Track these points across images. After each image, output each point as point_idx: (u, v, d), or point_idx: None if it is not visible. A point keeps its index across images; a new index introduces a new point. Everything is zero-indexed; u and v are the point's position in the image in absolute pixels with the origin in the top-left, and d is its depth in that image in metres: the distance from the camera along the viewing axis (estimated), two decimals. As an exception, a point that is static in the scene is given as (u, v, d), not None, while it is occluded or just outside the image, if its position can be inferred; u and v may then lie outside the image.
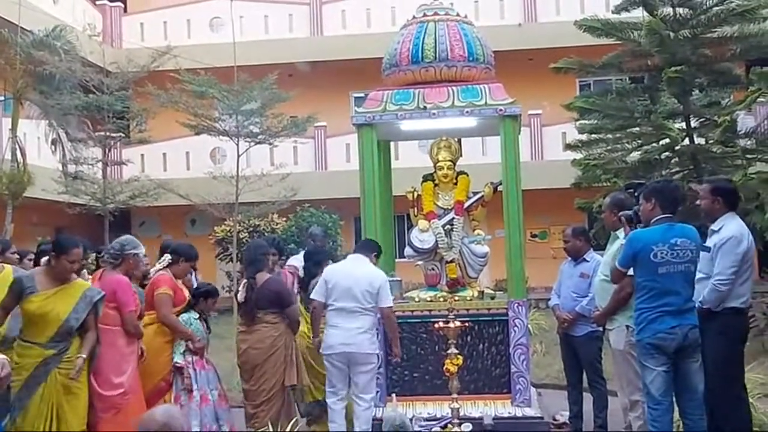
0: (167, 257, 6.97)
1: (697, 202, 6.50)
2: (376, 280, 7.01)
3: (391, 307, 7.09)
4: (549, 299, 8.11)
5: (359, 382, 6.87)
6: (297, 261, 8.70)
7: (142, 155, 21.16)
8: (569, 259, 7.80)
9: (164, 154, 21.62)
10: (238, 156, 17.48)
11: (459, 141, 8.80)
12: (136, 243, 6.61)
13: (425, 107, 8.07)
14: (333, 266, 7.26)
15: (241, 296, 7.13)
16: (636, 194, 6.47)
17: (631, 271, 6.04)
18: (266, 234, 17.79)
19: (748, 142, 12.93)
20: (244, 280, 7.13)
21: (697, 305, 5.98)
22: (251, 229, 18.77)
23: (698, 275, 6.09)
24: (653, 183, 6.51)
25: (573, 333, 7.58)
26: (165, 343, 6.67)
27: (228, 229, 18.57)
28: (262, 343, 6.98)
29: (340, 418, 6.95)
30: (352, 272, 7.03)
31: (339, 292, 6.92)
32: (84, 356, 5.67)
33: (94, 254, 8.64)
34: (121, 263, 6.40)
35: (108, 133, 17.85)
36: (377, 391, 7.81)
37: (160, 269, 6.95)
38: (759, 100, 11.96)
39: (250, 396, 7.03)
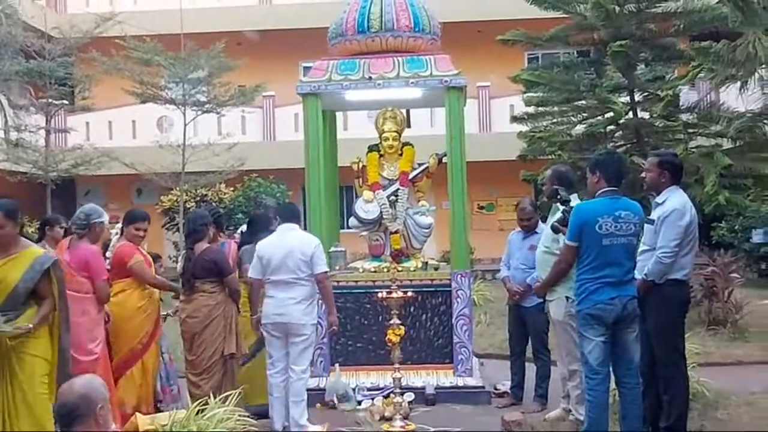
0: (117, 227, 7.09)
1: (642, 174, 6.56)
2: (309, 247, 6.84)
3: (326, 272, 6.95)
4: (496, 271, 8.14)
5: (292, 352, 6.80)
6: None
7: (88, 123, 20.85)
8: (517, 230, 7.80)
9: (110, 122, 21.29)
10: (185, 125, 17.29)
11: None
12: (100, 212, 6.75)
13: (370, 77, 8.07)
14: (265, 241, 7.14)
15: (179, 267, 7.11)
16: (559, 200, 6.56)
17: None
18: (213, 204, 17.67)
19: (690, 117, 13.09)
20: (184, 251, 7.10)
21: (640, 277, 6.08)
22: (198, 198, 18.62)
23: (642, 247, 6.18)
24: (598, 156, 6.50)
25: (523, 304, 7.61)
26: (136, 309, 6.88)
27: (175, 198, 18.41)
28: (199, 312, 6.91)
29: (278, 390, 6.82)
30: (285, 243, 6.88)
31: (274, 266, 6.81)
32: (30, 326, 5.49)
33: (38, 223, 8.54)
34: (87, 232, 6.53)
35: (50, 100, 17.46)
36: (321, 361, 7.89)
37: (115, 241, 7.13)
38: (701, 75, 12.07)
39: (191, 365, 6.98)
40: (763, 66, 6.97)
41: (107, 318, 6.58)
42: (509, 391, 7.90)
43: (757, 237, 16.30)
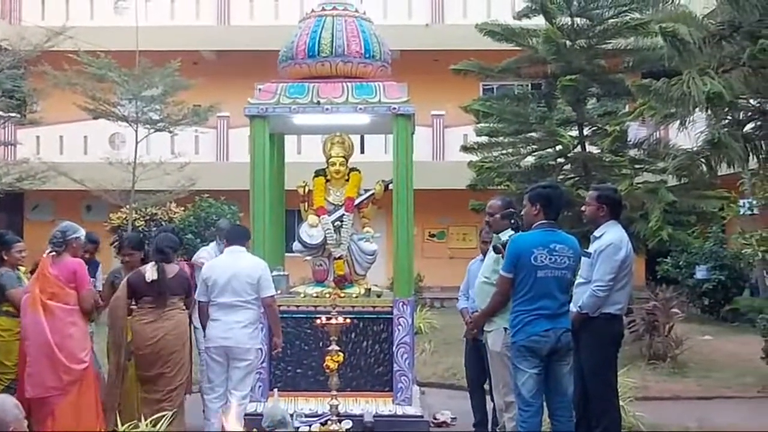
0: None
1: (582, 208, 6.64)
2: (256, 270, 6.90)
3: (273, 296, 7.01)
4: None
5: (234, 377, 6.76)
6: (206, 252, 8.74)
7: (38, 137, 20.55)
8: (478, 259, 7.40)
9: (61, 137, 21.06)
10: (137, 142, 17.11)
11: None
12: (75, 227, 6.81)
13: (319, 102, 8.06)
14: (210, 263, 7.10)
15: (152, 275, 6.72)
16: (512, 221, 6.48)
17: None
18: (164, 223, 17.48)
19: (638, 152, 13.29)
20: (152, 262, 6.80)
21: (575, 309, 6.13)
22: (148, 217, 18.43)
23: (578, 280, 6.26)
24: (539, 188, 6.40)
25: (481, 337, 6.95)
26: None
27: (124, 216, 18.17)
28: (178, 329, 6.74)
29: (215, 416, 6.76)
30: (231, 266, 6.87)
31: (219, 288, 6.78)
32: None
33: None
34: (66, 249, 6.61)
35: (-4, 113, 17.17)
36: (260, 386, 7.80)
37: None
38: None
39: (160, 383, 6.68)
40: (698, 106, 7.11)
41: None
42: (473, 427, 7.57)
43: (700, 273, 16.56)
